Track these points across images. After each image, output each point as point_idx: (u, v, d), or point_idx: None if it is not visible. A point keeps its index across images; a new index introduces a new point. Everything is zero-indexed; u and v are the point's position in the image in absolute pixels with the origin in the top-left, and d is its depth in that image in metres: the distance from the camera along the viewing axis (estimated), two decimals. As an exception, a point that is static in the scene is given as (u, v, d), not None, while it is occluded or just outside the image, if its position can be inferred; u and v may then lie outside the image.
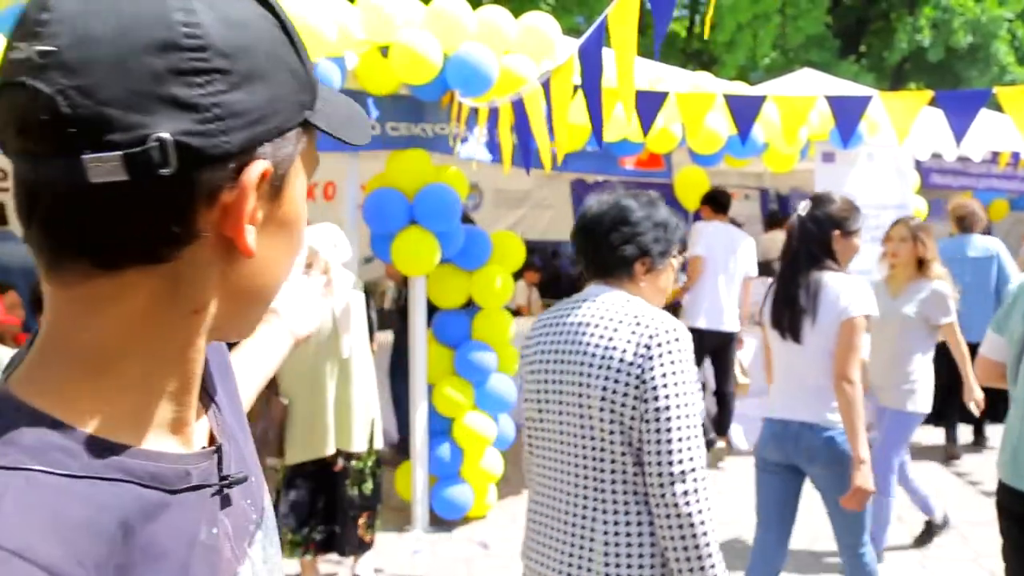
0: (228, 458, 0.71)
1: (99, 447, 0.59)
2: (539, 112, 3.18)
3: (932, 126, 6.12)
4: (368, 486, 3.82)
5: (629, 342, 1.78)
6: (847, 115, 3.70)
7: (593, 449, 1.84)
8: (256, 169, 0.61)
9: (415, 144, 4.49)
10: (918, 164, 6.94)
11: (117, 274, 0.60)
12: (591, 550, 1.82)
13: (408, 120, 4.49)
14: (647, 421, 1.75)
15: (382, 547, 4.20)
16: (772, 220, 8.39)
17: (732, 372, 6.14)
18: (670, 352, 1.76)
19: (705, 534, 1.73)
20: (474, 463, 4.71)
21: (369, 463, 3.82)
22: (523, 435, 2.07)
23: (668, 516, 1.74)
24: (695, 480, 1.74)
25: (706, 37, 11.72)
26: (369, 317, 3.96)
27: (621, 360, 1.78)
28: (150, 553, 0.59)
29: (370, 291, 8.06)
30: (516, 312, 7.24)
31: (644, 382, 1.75)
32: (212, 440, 0.73)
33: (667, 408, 1.74)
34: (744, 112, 3.73)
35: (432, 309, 4.75)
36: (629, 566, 1.78)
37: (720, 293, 5.95)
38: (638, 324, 1.80)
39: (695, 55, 18.96)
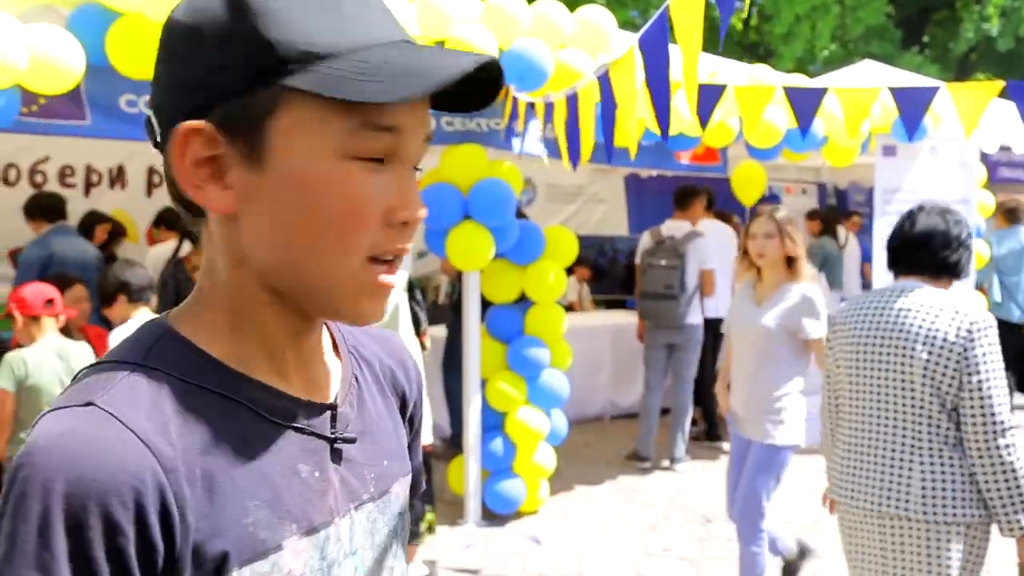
0: (345, 421, 0.80)
1: (213, 365, 0.73)
2: (590, 107, 3.16)
3: (1000, 118, 5.93)
4: None
5: (950, 326, 2.27)
6: (912, 107, 3.60)
7: (912, 408, 2.32)
8: (178, 133, 0.70)
9: (470, 139, 4.51)
10: (985, 157, 6.73)
11: (201, 223, 0.76)
12: (908, 486, 2.30)
13: (463, 115, 4.50)
14: (970, 391, 2.23)
15: (434, 540, 4.24)
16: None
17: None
18: (987, 335, 2.25)
19: None
20: (527, 458, 4.72)
21: None
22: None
23: (992, 464, 2.21)
24: (1011, 435, 2.22)
25: (751, 22, 11.50)
26: (414, 311, 3.97)
27: (944, 340, 2.27)
28: (235, 461, 0.70)
29: (422, 286, 8.13)
30: (569, 308, 7.22)
31: (967, 359, 2.23)
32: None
33: (987, 380, 2.22)
34: (805, 105, 3.65)
35: (485, 304, 4.76)
36: (943, 499, 2.25)
37: (720, 285, 6.29)
38: (957, 312, 2.29)
39: (751, 48, 18.66)
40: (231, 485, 0.69)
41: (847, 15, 16.66)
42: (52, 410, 0.66)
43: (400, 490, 0.87)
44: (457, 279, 5.51)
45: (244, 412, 0.72)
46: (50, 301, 3.52)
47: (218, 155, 0.70)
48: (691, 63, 1.85)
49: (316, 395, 0.79)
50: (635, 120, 2.74)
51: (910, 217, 2.48)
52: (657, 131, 3.89)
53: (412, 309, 3.95)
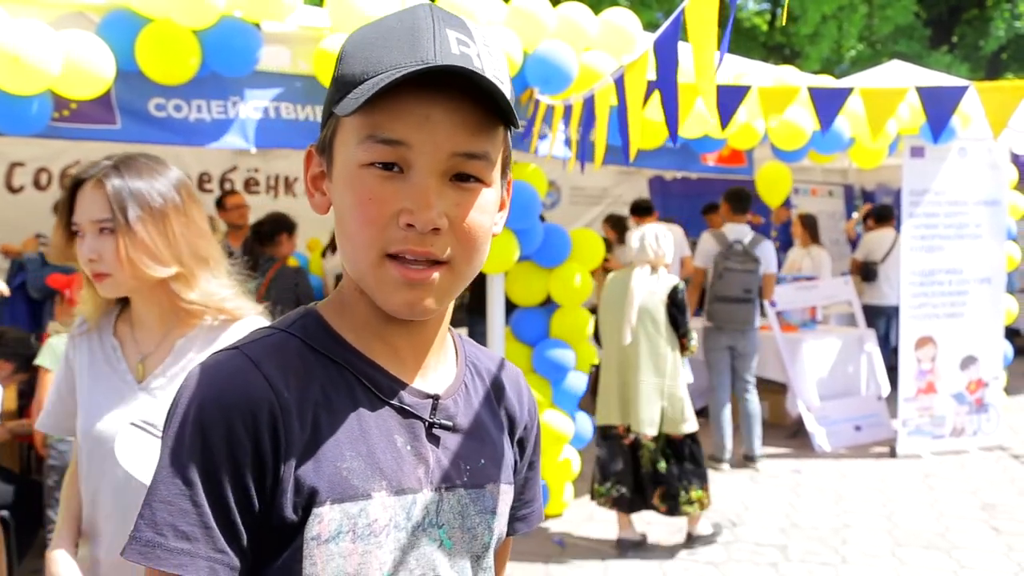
0: (445, 412, 0.93)
1: (338, 342, 0.90)
2: (605, 108, 3.15)
3: (1031, 118, 5.85)
4: (662, 465, 4.32)
5: None
6: (939, 108, 3.56)
7: None
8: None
9: (494, 142, 4.51)
10: (1016, 158, 6.65)
11: None
12: None
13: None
14: None
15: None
16: (881, 217, 7.95)
17: None
18: None
19: None
20: (551, 460, 4.71)
21: (655, 446, 4.32)
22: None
23: None
24: None
25: (782, 23, 11.41)
26: (673, 315, 4.40)
27: None
28: (341, 416, 0.86)
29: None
30: (593, 310, 7.20)
31: None
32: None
33: None
34: (828, 105, 3.62)
35: (510, 306, 4.76)
36: None
37: None
38: None
39: (777, 49, 18.51)
40: (334, 433, 0.85)
41: (875, 14, 16.48)
42: (213, 353, 0.88)
43: (497, 493, 0.97)
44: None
45: (355, 382, 0.89)
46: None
47: (323, 171, 0.90)
48: (705, 63, 1.84)
49: (425, 385, 0.93)
50: (641, 122, 2.73)
51: None
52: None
53: (671, 314, 4.35)
